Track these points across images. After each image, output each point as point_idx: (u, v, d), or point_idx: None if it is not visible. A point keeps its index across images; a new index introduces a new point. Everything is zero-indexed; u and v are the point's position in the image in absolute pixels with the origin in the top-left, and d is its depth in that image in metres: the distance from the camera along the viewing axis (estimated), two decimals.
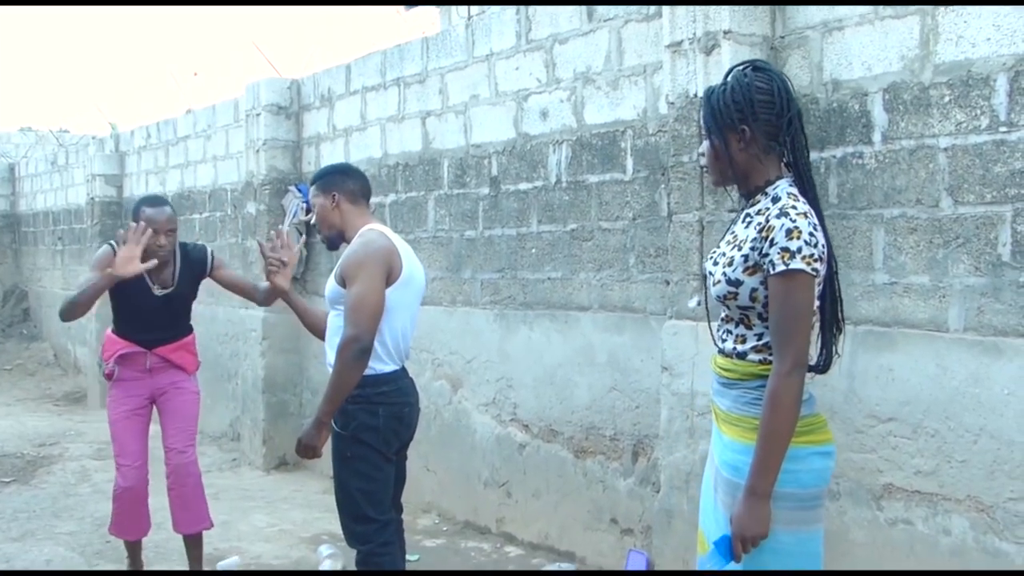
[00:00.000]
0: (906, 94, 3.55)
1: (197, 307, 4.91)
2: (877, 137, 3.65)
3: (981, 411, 3.33)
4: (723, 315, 2.62)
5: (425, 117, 6.13)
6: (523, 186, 5.37)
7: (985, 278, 3.34)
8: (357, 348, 3.37)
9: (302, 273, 7.47)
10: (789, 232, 2.37)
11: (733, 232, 2.61)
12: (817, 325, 2.57)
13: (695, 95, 4.04)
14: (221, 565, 5.06)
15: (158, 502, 4.74)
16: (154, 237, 4.46)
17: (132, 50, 50.05)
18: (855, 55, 3.71)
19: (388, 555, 3.61)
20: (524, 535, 5.40)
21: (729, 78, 2.57)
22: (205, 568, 4.81)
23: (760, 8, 3.93)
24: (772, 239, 2.39)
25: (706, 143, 2.62)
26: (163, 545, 5.00)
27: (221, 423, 8.59)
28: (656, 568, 4.28)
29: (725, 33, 3.89)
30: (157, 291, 4.57)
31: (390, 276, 3.54)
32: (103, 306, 10.05)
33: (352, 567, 3.78)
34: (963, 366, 3.38)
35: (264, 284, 4.31)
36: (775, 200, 2.49)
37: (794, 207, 2.43)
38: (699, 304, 4.08)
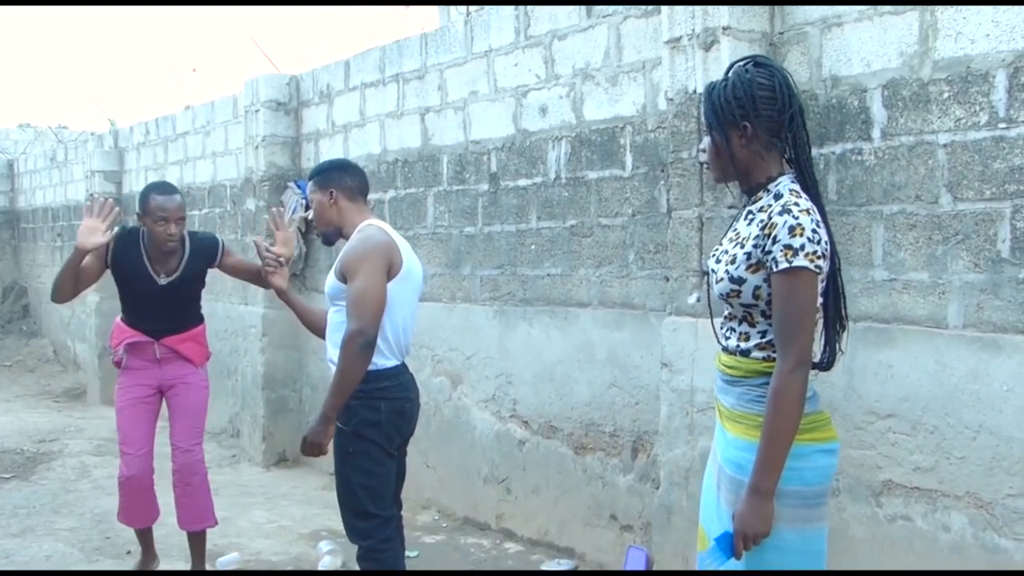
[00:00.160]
0: (905, 90, 3.55)
1: None
2: (876, 133, 3.65)
3: (980, 407, 3.33)
4: (726, 313, 2.61)
5: (424, 113, 6.13)
6: (522, 182, 5.37)
7: (984, 274, 3.34)
8: (362, 341, 3.37)
9: (301, 269, 7.47)
10: (792, 229, 2.37)
11: (735, 229, 2.60)
12: (821, 322, 2.56)
13: (694, 91, 4.03)
14: (220, 561, 5.06)
15: (163, 498, 4.74)
16: (165, 225, 4.45)
17: (131, 46, 49.97)
18: (854, 51, 3.70)
19: (390, 551, 3.61)
20: (524, 531, 5.40)
21: (730, 74, 2.55)
22: (205, 563, 4.81)
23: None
24: (775, 236, 2.38)
25: (707, 139, 2.61)
26: (163, 541, 5.00)
27: (221, 419, 8.59)
28: (655, 564, 4.29)
29: (724, 29, 3.88)
30: (161, 280, 4.55)
31: (390, 270, 3.54)
32: (104, 301, 10.18)
33: (351, 563, 3.79)
34: (962, 362, 3.38)
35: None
36: (777, 197, 2.48)
37: (797, 204, 2.42)
38: (698, 300, 4.08)
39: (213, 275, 4.83)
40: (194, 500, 4.63)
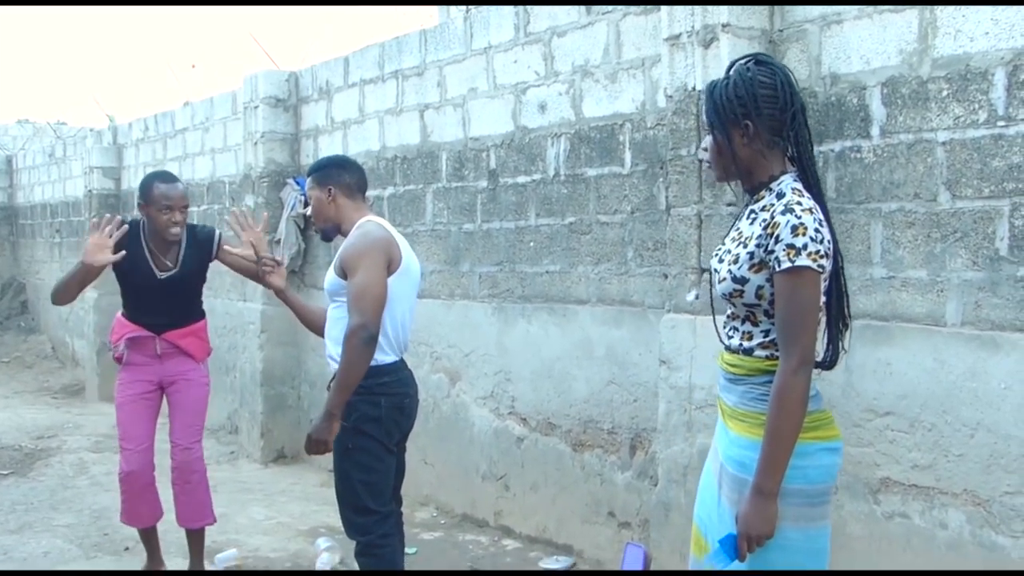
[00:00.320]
0: (904, 88, 3.55)
1: None
2: (875, 131, 3.65)
3: (978, 405, 3.33)
4: (729, 312, 2.60)
5: (423, 110, 6.13)
6: (521, 179, 5.37)
7: (983, 272, 3.34)
8: (365, 335, 3.37)
9: (300, 266, 7.47)
10: (795, 228, 2.36)
11: (738, 229, 2.59)
12: (823, 321, 2.55)
13: (693, 88, 4.03)
14: (219, 558, 5.06)
15: (162, 495, 4.73)
16: (169, 213, 4.43)
17: (130, 42, 49.93)
18: (853, 49, 3.70)
19: (388, 547, 3.61)
20: (522, 528, 5.41)
21: (731, 72, 2.54)
22: (204, 560, 4.81)
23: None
24: (777, 236, 2.37)
25: (709, 138, 2.60)
26: (162, 537, 4.97)
27: (219, 416, 8.59)
28: (653, 561, 4.29)
29: (723, 26, 3.88)
30: (160, 273, 4.54)
31: (390, 266, 3.55)
32: (103, 298, 10.17)
33: (350, 560, 3.79)
34: (960, 360, 3.39)
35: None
36: (780, 196, 2.47)
37: (799, 203, 2.41)
38: (697, 298, 4.08)
39: (213, 271, 4.82)
40: (193, 498, 4.63)
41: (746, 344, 2.53)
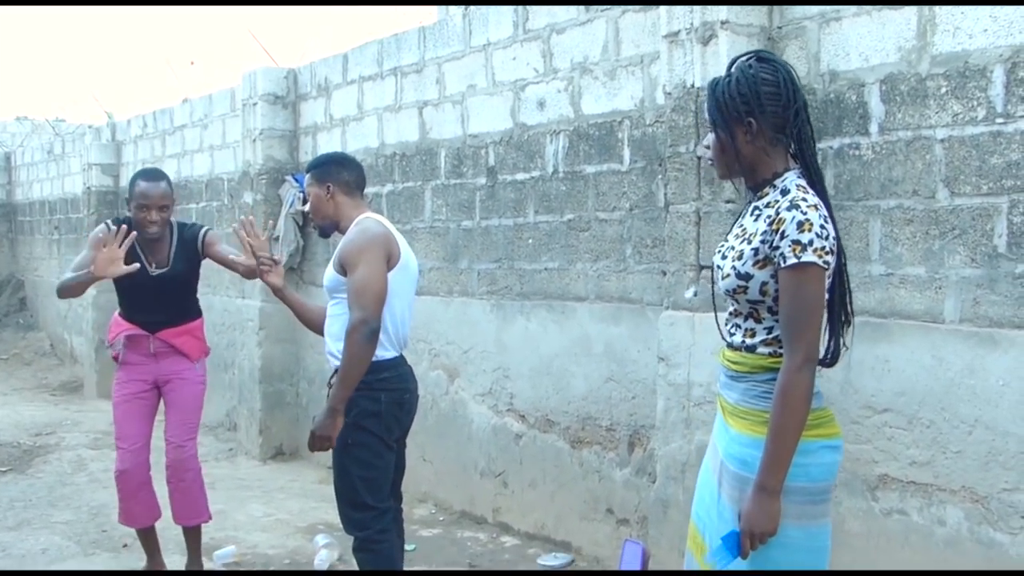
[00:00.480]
0: (903, 85, 3.55)
1: None
2: (874, 128, 3.65)
3: (976, 402, 3.34)
4: (732, 309, 2.59)
5: (422, 107, 6.12)
6: (520, 176, 5.37)
7: (981, 269, 3.35)
8: (367, 330, 3.38)
9: (299, 263, 7.47)
10: (800, 224, 2.35)
11: (742, 226, 2.58)
12: (825, 317, 2.55)
13: (692, 85, 4.03)
14: (217, 555, 5.06)
15: (160, 490, 4.73)
16: (146, 212, 4.42)
17: (129, 39, 49.89)
18: (852, 46, 3.70)
19: (385, 542, 3.61)
20: (520, 525, 5.41)
21: (733, 69, 2.53)
22: (202, 556, 4.81)
23: None
24: (783, 232, 2.37)
25: (711, 136, 2.59)
26: (160, 535, 4.98)
27: (218, 413, 8.60)
28: (652, 558, 4.29)
29: (722, 23, 3.88)
30: (153, 271, 4.53)
31: (389, 261, 3.55)
32: (101, 295, 10.17)
33: (348, 557, 3.79)
34: (959, 357, 3.39)
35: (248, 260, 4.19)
36: (784, 192, 2.46)
37: (804, 199, 2.41)
38: (696, 295, 4.09)
39: (211, 268, 4.81)
40: (187, 495, 4.62)
41: (749, 341, 2.52)
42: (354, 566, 3.71)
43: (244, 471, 7.26)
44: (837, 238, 2.45)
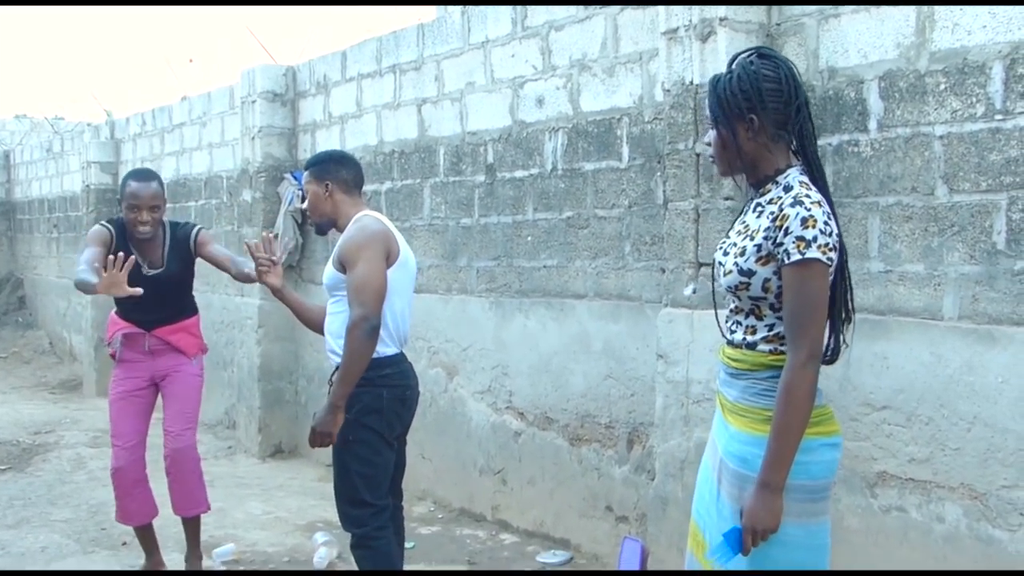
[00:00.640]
0: (902, 82, 3.54)
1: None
2: (873, 125, 3.64)
3: (975, 399, 3.33)
4: (733, 306, 2.59)
5: (421, 104, 6.12)
6: (519, 174, 5.36)
7: (980, 266, 3.34)
8: (368, 327, 3.38)
9: (298, 261, 7.47)
10: (804, 221, 2.35)
11: (744, 222, 2.57)
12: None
13: (691, 82, 4.03)
14: (216, 552, 5.06)
15: (158, 487, 4.73)
16: (136, 213, 4.41)
17: (127, 37, 49.86)
18: (851, 42, 3.70)
19: (383, 539, 3.62)
20: (519, 522, 5.41)
21: (735, 66, 2.52)
22: (201, 553, 4.81)
23: None
24: (787, 228, 2.36)
25: (712, 132, 2.58)
26: (159, 532, 4.98)
27: (217, 411, 8.60)
28: (651, 556, 4.29)
29: (721, 20, 3.88)
30: (147, 271, 4.53)
31: (388, 258, 3.56)
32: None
33: (347, 555, 3.79)
34: (957, 354, 3.39)
35: (247, 265, 4.17)
36: (787, 189, 2.46)
37: (808, 196, 2.40)
38: (695, 292, 4.08)
39: (210, 266, 4.80)
40: (185, 485, 4.63)
41: (750, 338, 2.51)
42: (353, 564, 3.71)
43: (243, 469, 7.26)
44: (839, 235, 2.45)
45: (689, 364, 4.09)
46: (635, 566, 4.32)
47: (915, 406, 3.50)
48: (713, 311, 2.81)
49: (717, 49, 3.88)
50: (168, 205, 4.77)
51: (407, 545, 4.26)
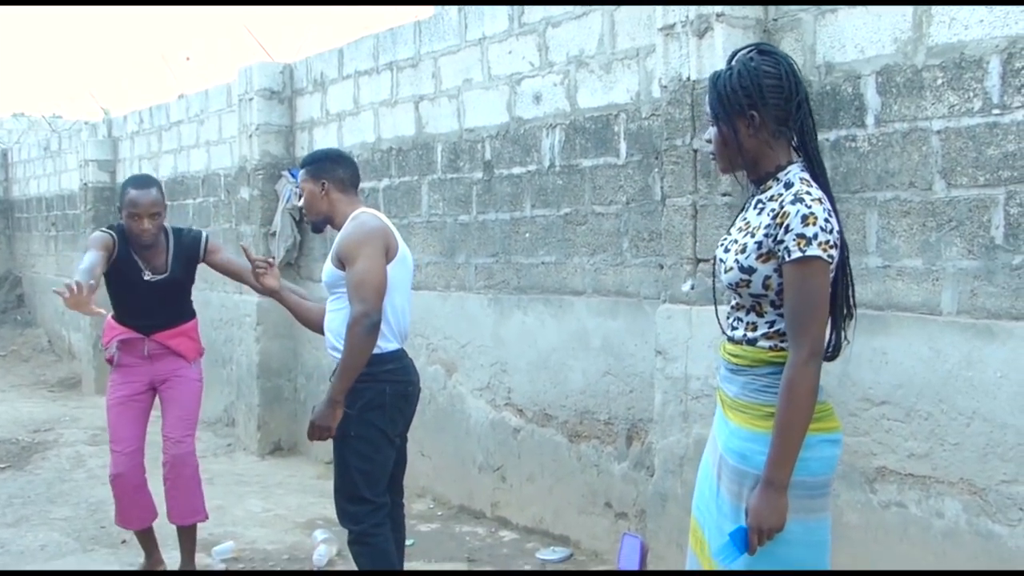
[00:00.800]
0: (899, 77, 3.54)
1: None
2: (870, 120, 3.64)
3: (974, 394, 3.33)
4: (734, 302, 2.58)
5: (418, 101, 6.11)
6: (516, 170, 5.36)
7: (978, 261, 3.34)
8: (368, 323, 3.39)
9: (296, 259, 7.46)
10: (805, 218, 2.34)
11: (745, 219, 2.56)
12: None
13: (688, 78, 4.02)
14: (216, 551, 5.06)
15: (158, 488, 4.72)
16: (137, 220, 4.38)
17: (125, 35, 49.81)
18: (848, 38, 3.69)
19: (380, 535, 3.62)
20: (519, 519, 5.41)
21: (735, 62, 2.51)
22: (199, 553, 4.80)
23: None
24: (787, 225, 2.36)
25: (713, 129, 2.57)
26: (157, 531, 4.98)
27: (216, 408, 8.59)
28: (650, 552, 4.29)
29: (718, 16, 3.87)
30: (148, 277, 4.51)
31: (387, 254, 3.56)
32: (99, 293, 10.14)
33: (347, 551, 3.79)
34: (956, 349, 3.38)
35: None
36: (788, 186, 2.45)
37: (808, 192, 2.40)
38: (693, 288, 4.08)
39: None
40: (184, 493, 4.58)
41: (750, 335, 2.51)
42: (353, 561, 3.71)
43: (242, 467, 7.25)
44: (840, 232, 2.44)
45: (688, 360, 4.09)
46: (635, 563, 4.32)
47: (914, 401, 3.50)
48: (712, 307, 2.80)
49: (714, 45, 3.87)
50: (166, 203, 4.74)
51: (406, 542, 4.26)
